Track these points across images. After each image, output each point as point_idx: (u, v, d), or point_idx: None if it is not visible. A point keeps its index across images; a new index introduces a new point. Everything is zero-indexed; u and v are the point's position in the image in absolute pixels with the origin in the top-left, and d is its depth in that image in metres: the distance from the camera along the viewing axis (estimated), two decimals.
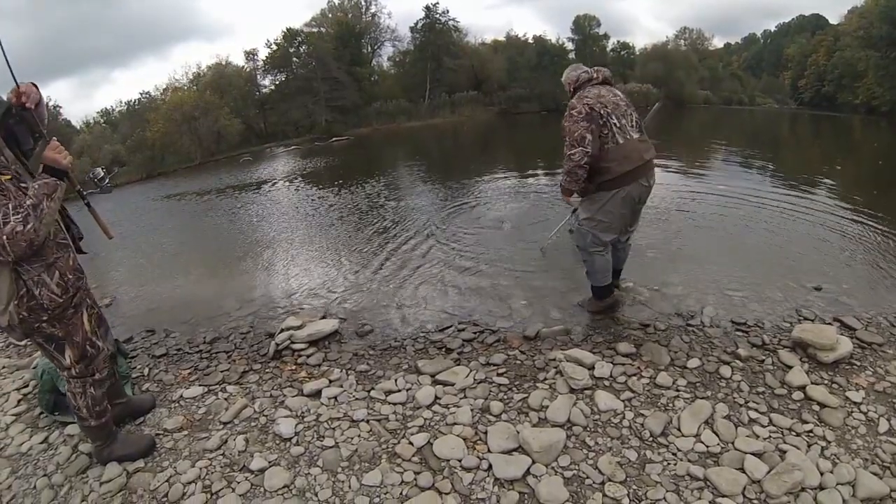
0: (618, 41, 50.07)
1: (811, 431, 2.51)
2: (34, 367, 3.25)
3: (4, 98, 2.12)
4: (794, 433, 2.50)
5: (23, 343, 2.48)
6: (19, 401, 3.36)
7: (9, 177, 2.01)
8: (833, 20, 52.01)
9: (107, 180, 2.64)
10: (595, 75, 3.50)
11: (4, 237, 1.89)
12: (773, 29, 75.04)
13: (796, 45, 54.79)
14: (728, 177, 9.75)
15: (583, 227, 3.64)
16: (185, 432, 2.85)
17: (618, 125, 3.31)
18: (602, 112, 3.27)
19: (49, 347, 2.32)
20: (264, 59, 37.58)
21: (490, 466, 2.38)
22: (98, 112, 34.21)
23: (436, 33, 41.02)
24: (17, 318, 2.12)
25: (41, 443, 2.88)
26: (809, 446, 2.40)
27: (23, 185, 2.03)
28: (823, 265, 4.70)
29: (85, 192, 2.50)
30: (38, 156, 2.13)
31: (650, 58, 47.43)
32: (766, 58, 69.28)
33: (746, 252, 5.12)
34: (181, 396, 3.24)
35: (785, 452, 2.34)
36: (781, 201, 7.23)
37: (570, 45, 45.49)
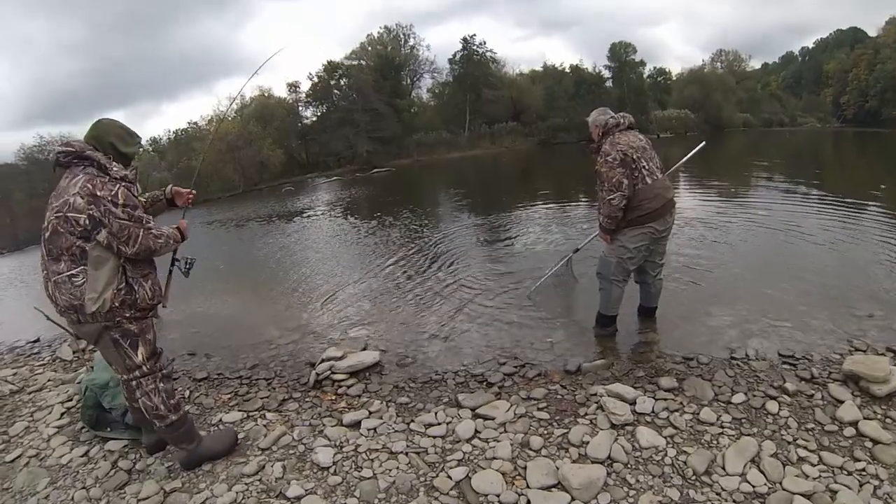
0: (654, 67, 49.89)
1: (863, 470, 2.39)
2: (78, 382, 3.37)
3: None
4: (845, 472, 2.39)
5: (89, 344, 2.77)
6: (62, 414, 3.51)
7: (144, 200, 2.58)
8: (871, 32, 50.54)
9: (191, 268, 2.96)
10: (622, 121, 3.77)
11: (148, 232, 2.41)
12: (810, 46, 73.23)
13: (836, 60, 53.23)
14: (771, 200, 9.57)
15: (610, 256, 3.84)
16: (223, 456, 2.91)
17: (647, 168, 3.63)
18: (634, 157, 3.59)
19: (124, 344, 2.51)
20: (306, 91, 38.71)
21: (528, 502, 2.35)
22: (147, 140, 35.74)
23: (473, 64, 41.56)
24: (108, 306, 2.37)
25: (81, 456, 2.99)
26: (861, 486, 2.29)
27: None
28: (875, 291, 4.52)
29: (176, 262, 2.93)
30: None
31: (687, 82, 47.02)
32: (805, 76, 67.43)
33: (792, 279, 4.95)
34: (220, 420, 3.33)
35: (836, 493, 2.24)
36: (827, 225, 7.04)
37: (606, 73, 45.41)
